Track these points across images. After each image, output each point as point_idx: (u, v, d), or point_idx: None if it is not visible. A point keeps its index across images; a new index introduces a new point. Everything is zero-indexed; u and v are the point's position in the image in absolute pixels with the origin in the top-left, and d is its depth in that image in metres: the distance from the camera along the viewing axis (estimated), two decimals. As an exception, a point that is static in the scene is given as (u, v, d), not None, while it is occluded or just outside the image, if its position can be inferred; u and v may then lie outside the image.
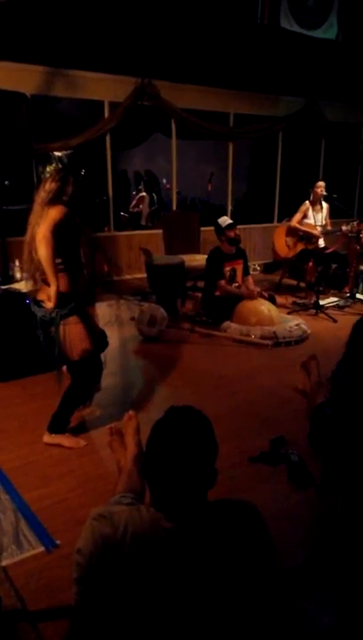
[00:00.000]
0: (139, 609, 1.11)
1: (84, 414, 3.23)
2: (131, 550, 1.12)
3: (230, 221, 5.22)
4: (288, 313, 5.49)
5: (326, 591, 1.86)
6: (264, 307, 5.00)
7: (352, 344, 2.30)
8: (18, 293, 3.89)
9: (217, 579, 1.12)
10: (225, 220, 5.25)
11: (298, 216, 6.33)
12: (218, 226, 5.24)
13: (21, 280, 4.55)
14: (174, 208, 8.01)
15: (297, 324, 4.92)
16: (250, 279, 5.44)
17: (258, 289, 5.35)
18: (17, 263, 4.70)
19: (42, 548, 2.11)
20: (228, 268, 5.24)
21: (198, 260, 6.02)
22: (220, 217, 5.51)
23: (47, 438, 2.89)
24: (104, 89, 6.72)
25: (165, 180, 10.13)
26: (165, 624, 1.10)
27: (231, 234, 5.17)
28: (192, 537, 1.13)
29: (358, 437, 2.15)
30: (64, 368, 3.02)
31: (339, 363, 2.41)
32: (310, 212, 6.31)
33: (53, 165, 9.31)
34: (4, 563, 2.02)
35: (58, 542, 2.13)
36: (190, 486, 1.13)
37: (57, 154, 9.02)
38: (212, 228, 5.50)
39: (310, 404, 3.13)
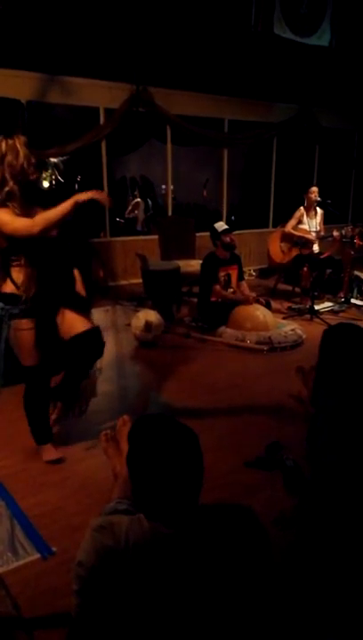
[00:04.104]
0: (143, 617, 1.11)
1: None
2: (133, 559, 1.12)
3: (226, 227, 5.24)
4: (283, 318, 5.50)
5: (321, 593, 1.86)
6: (259, 312, 5.01)
7: (324, 361, 2.11)
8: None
9: (220, 582, 1.12)
10: (221, 225, 5.27)
11: (293, 222, 6.36)
12: (214, 230, 5.25)
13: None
14: (170, 213, 8.04)
15: (292, 329, 4.94)
16: (244, 284, 5.47)
17: (254, 294, 5.37)
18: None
19: (37, 555, 2.10)
20: (222, 274, 5.26)
21: (194, 265, 6.03)
22: (216, 222, 5.53)
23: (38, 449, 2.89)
24: (99, 95, 6.75)
25: (164, 187, 10.17)
26: (170, 630, 1.11)
27: (227, 239, 5.18)
28: (193, 541, 1.14)
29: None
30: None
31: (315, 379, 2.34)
32: (305, 218, 6.35)
33: (49, 171, 9.34)
34: (0, 570, 2.02)
35: (54, 549, 2.13)
36: (183, 494, 1.13)
37: (53, 160, 9.05)
38: (207, 233, 5.52)
39: (309, 408, 3.12)
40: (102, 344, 2.81)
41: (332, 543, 1.82)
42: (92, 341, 2.74)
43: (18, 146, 2.46)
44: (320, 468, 1.96)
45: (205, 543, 1.14)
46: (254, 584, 1.16)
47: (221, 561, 1.13)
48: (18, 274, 2.54)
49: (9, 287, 2.55)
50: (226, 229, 5.20)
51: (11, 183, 2.44)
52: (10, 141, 2.45)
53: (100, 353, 2.82)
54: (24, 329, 2.57)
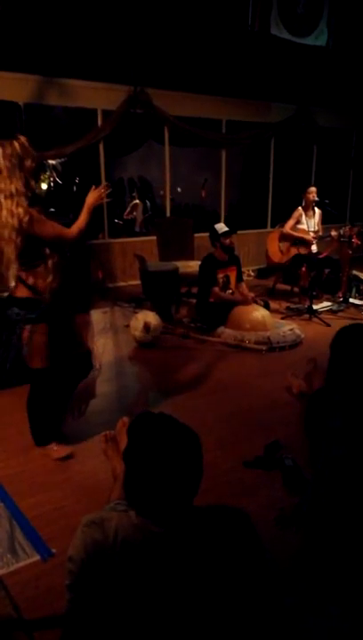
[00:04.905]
0: (131, 613, 1.12)
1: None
2: (122, 555, 1.13)
3: (227, 229, 5.18)
4: (282, 318, 5.51)
5: (324, 593, 1.85)
6: (258, 312, 5.02)
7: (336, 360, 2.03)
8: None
9: (207, 582, 1.13)
10: (222, 227, 5.21)
11: (291, 222, 6.36)
12: (214, 232, 5.21)
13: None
14: (168, 214, 8.04)
15: (291, 329, 4.94)
16: (244, 285, 5.46)
17: (252, 294, 5.37)
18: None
19: (37, 557, 2.10)
20: (221, 275, 5.25)
21: (192, 266, 6.03)
22: (216, 223, 5.50)
23: (39, 450, 2.89)
24: (97, 97, 6.76)
25: (162, 193, 10.22)
26: (157, 628, 1.11)
27: (227, 241, 5.17)
28: (181, 541, 1.14)
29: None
30: None
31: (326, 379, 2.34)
32: (303, 218, 6.35)
33: (47, 173, 9.35)
34: (0, 572, 2.02)
35: (53, 551, 2.13)
36: (177, 494, 1.14)
37: (51, 162, 9.06)
38: (206, 234, 5.51)
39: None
40: (91, 367, 2.85)
41: (339, 542, 1.82)
42: (82, 364, 2.80)
43: (30, 148, 2.51)
44: (327, 462, 1.95)
45: (194, 544, 1.15)
46: (242, 586, 1.16)
47: (208, 562, 1.14)
48: (37, 278, 2.57)
49: (24, 292, 2.58)
50: (226, 232, 5.17)
51: (33, 183, 2.52)
52: (18, 143, 2.48)
53: (85, 375, 2.87)
54: (42, 332, 2.60)
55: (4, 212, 2.42)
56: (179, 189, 10.60)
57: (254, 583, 1.17)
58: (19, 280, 2.58)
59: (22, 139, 2.51)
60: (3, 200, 2.43)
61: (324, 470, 1.92)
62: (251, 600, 1.16)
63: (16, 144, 2.46)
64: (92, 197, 2.70)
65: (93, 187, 2.74)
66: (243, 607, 1.15)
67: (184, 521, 1.15)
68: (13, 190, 2.43)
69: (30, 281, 2.56)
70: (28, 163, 2.49)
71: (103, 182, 2.74)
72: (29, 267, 2.55)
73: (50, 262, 2.57)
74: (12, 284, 2.58)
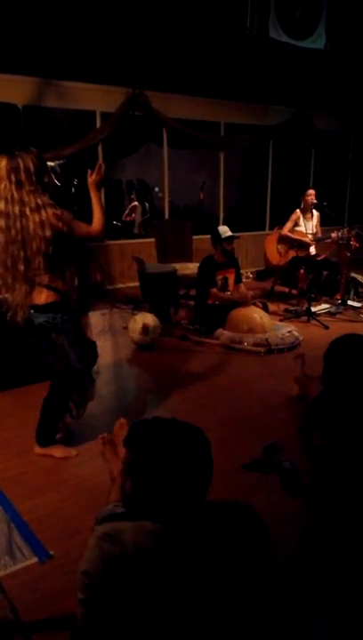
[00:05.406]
0: (152, 620, 1.10)
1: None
2: (142, 564, 1.10)
3: (230, 234, 5.17)
4: (280, 320, 5.51)
5: (322, 593, 1.85)
6: (256, 314, 5.02)
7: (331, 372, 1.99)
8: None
9: (228, 581, 1.12)
10: (225, 231, 5.19)
11: (289, 224, 6.37)
12: (216, 235, 5.20)
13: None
14: (167, 216, 8.05)
15: (289, 331, 4.95)
16: (242, 287, 5.46)
17: (251, 292, 5.37)
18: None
19: (35, 559, 2.10)
20: (220, 277, 5.25)
21: (191, 268, 6.04)
22: (220, 226, 5.47)
23: (37, 450, 2.89)
24: (95, 99, 6.77)
25: (156, 189, 10.20)
26: (178, 626, 1.10)
27: (228, 247, 5.17)
28: (199, 539, 1.13)
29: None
30: None
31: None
32: (302, 220, 6.36)
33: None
34: (-2, 574, 2.01)
35: (51, 553, 2.12)
36: (192, 493, 1.14)
37: (50, 164, 9.04)
38: (204, 236, 5.51)
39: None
40: (96, 357, 2.91)
41: (339, 543, 1.82)
42: (90, 354, 2.86)
43: (44, 162, 2.57)
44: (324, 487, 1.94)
45: (211, 541, 1.14)
46: (254, 581, 1.16)
47: (227, 559, 1.13)
48: (62, 282, 2.61)
49: (50, 296, 2.59)
50: (230, 237, 5.14)
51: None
52: (34, 156, 2.51)
53: (93, 364, 2.92)
54: (72, 333, 2.66)
55: (32, 225, 2.44)
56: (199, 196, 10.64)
57: (264, 579, 1.17)
58: (43, 286, 2.58)
59: (35, 151, 2.53)
60: (29, 213, 2.44)
61: (322, 490, 1.91)
62: (260, 595, 1.15)
63: (34, 158, 2.49)
64: (92, 180, 2.71)
65: (89, 170, 2.73)
66: (254, 602, 1.14)
67: (199, 518, 1.14)
68: (40, 202, 2.45)
69: (57, 285, 2.59)
70: (47, 179, 2.54)
71: (99, 161, 2.77)
72: (53, 272, 2.58)
73: (70, 269, 2.64)
74: (25, 298, 2.57)
